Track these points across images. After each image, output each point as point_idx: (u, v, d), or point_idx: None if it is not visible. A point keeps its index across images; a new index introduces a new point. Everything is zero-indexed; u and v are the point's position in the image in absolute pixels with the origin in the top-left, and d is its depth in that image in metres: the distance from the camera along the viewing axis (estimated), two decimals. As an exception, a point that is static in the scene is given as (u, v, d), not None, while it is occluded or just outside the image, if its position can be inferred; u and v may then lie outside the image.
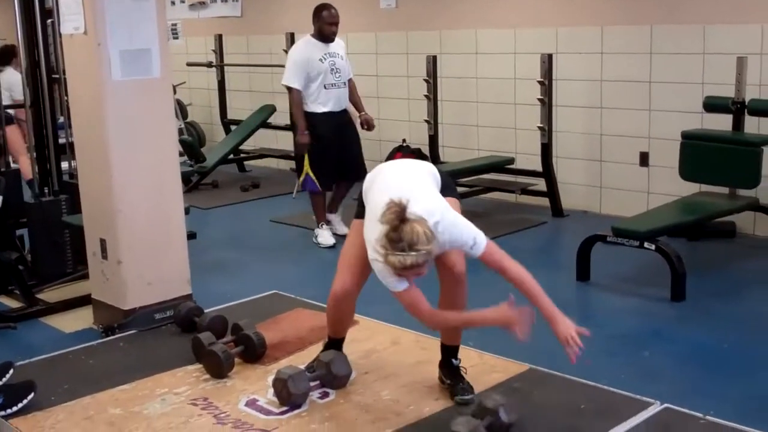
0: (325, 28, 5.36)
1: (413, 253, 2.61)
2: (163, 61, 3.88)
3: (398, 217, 2.62)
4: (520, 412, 2.78)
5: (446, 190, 3.02)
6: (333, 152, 5.41)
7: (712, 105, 5.07)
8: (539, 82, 5.74)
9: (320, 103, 5.35)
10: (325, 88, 5.34)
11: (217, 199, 6.97)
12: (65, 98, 4.81)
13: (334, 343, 3.33)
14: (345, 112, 5.50)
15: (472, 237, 2.79)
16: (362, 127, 5.59)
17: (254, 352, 3.46)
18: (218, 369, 3.33)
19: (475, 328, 3.17)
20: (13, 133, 5.69)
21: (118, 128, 3.80)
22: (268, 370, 3.41)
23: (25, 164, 5.63)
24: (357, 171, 5.42)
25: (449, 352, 3.15)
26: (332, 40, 5.41)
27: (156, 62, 3.86)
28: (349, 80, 5.53)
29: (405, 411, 3.01)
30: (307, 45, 5.41)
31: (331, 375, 3.17)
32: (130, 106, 3.82)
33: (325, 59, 5.35)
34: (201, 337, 3.47)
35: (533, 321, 2.84)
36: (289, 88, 5.38)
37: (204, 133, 8.75)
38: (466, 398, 3.03)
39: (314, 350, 3.50)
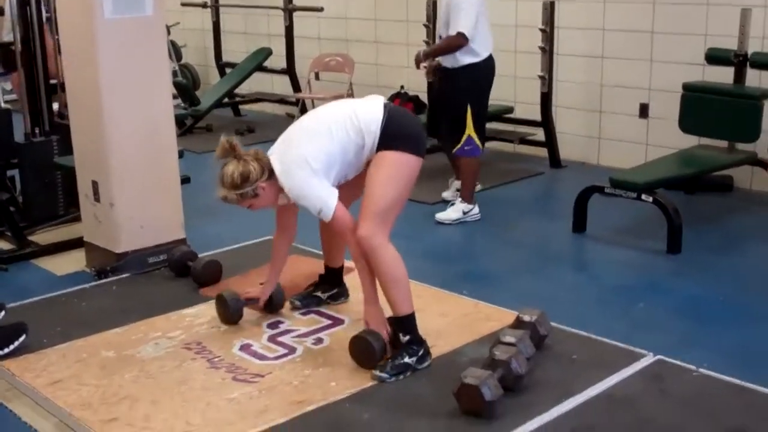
0: None
1: (219, 189, 2.97)
2: (155, -2, 3.79)
3: (225, 154, 2.96)
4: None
5: (394, 144, 2.91)
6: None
7: (714, 57, 4.99)
8: (540, 29, 5.64)
9: None
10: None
11: (211, 143, 6.75)
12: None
13: (329, 273, 3.47)
14: (445, 69, 4.73)
15: (318, 207, 2.92)
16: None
17: (272, 304, 3.41)
18: (226, 315, 3.32)
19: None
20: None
21: (110, 68, 3.72)
22: (262, 315, 3.41)
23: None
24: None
25: (395, 325, 2.98)
26: None
27: (149, 0, 3.75)
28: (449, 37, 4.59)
29: (399, 358, 3.01)
30: None
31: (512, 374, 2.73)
32: (122, 46, 3.73)
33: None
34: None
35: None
36: None
37: (198, 75, 8.62)
38: (376, 374, 2.87)
39: (309, 296, 3.50)
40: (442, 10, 4.71)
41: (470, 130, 4.66)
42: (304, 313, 3.43)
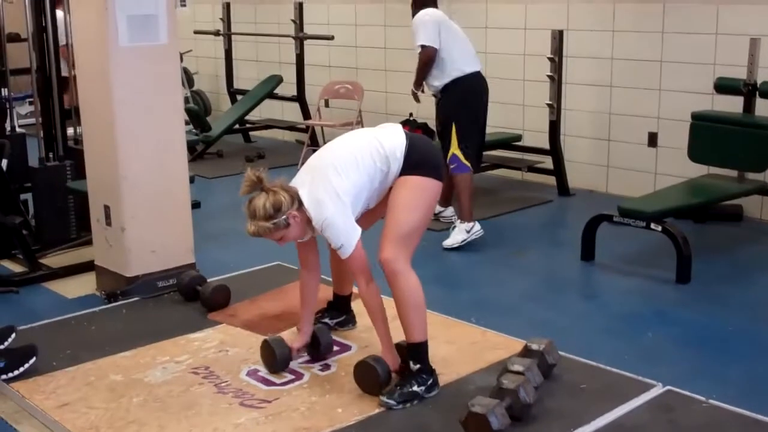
0: None
1: (249, 223, 2.89)
2: (170, 27, 3.84)
3: (253, 187, 2.89)
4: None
5: (417, 169, 2.95)
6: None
7: (724, 86, 5.01)
8: (549, 58, 5.68)
9: None
10: None
11: (221, 169, 6.94)
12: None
13: (337, 300, 3.48)
14: (436, 95, 4.95)
15: (340, 242, 2.89)
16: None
17: (318, 351, 3.24)
18: (272, 361, 3.16)
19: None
20: None
21: (124, 95, 3.77)
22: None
23: None
24: None
25: (407, 351, 2.98)
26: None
27: (163, 28, 3.81)
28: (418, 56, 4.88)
29: (406, 385, 3.00)
30: None
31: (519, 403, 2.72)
32: (137, 73, 3.78)
33: None
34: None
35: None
36: None
37: (210, 102, 8.70)
38: (384, 400, 2.85)
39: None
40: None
41: (454, 148, 4.75)
42: (312, 339, 3.43)
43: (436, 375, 2.96)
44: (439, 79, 4.82)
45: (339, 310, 3.51)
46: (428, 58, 4.77)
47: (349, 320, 3.52)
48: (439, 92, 4.87)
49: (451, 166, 4.75)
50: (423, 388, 2.89)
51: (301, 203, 2.90)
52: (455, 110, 4.79)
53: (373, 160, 2.95)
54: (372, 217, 3.13)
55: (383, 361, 2.95)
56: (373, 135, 3.04)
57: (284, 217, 2.87)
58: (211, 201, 5.65)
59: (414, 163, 2.96)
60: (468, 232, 4.76)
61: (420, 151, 3.00)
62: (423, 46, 4.78)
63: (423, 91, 5.04)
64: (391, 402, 2.85)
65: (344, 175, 2.91)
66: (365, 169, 2.94)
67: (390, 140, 2.99)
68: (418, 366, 2.91)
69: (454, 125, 4.74)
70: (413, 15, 4.95)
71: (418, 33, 4.80)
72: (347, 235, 2.88)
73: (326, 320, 3.48)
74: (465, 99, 4.81)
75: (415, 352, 2.92)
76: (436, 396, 2.92)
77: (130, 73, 3.76)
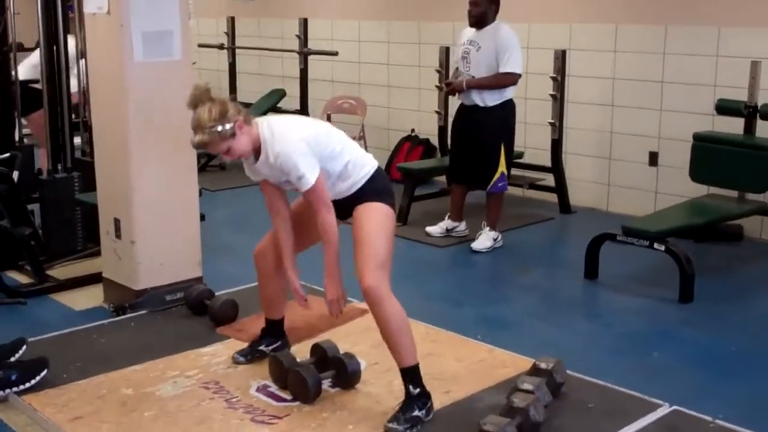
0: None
1: (195, 134, 2.84)
2: (184, 43, 3.89)
3: (201, 96, 2.85)
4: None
5: (381, 197, 2.99)
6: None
7: (725, 108, 5.07)
8: (552, 77, 5.74)
9: None
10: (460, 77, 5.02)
11: (224, 182, 6.97)
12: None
13: (270, 326, 3.41)
14: (475, 108, 4.94)
15: (301, 173, 2.86)
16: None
17: (345, 379, 3.16)
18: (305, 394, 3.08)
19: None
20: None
21: (138, 110, 3.80)
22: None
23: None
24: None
25: (403, 376, 2.93)
26: (473, 25, 4.93)
27: (177, 44, 3.85)
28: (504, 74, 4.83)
29: (416, 403, 3.03)
30: (462, 30, 5.06)
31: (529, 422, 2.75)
32: (151, 88, 3.81)
33: (461, 46, 5.02)
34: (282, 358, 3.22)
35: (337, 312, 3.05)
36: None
37: (212, 114, 8.71)
38: (389, 426, 2.83)
39: (324, 338, 3.45)
40: (483, 52, 4.89)
41: (503, 167, 4.98)
42: (320, 355, 3.45)
43: (431, 399, 2.93)
44: (495, 97, 4.91)
45: (274, 335, 3.43)
46: (509, 84, 4.89)
47: (284, 344, 3.44)
48: (482, 108, 4.93)
49: (499, 184, 4.99)
50: (423, 411, 2.88)
51: (248, 119, 2.88)
52: (507, 131, 5.01)
53: (342, 152, 2.98)
54: (306, 240, 3.17)
55: (313, 370, 3.07)
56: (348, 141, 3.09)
57: (230, 125, 2.81)
58: (215, 214, 5.68)
59: (379, 190, 3.01)
60: (495, 240, 5.05)
61: (383, 178, 3.08)
62: (512, 73, 4.84)
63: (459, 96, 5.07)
64: (399, 428, 2.83)
65: (312, 129, 2.94)
66: (333, 152, 2.94)
67: (362, 153, 3.06)
68: (417, 390, 2.89)
69: (503, 145, 4.95)
70: (482, 13, 4.87)
71: (513, 56, 4.82)
72: (309, 166, 2.85)
73: (262, 347, 3.40)
74: (512, 121, 5.03)
75: (411, 376, 2.90)
76: (447, 413, 2.95)
77: (145, 88, 3.79)
